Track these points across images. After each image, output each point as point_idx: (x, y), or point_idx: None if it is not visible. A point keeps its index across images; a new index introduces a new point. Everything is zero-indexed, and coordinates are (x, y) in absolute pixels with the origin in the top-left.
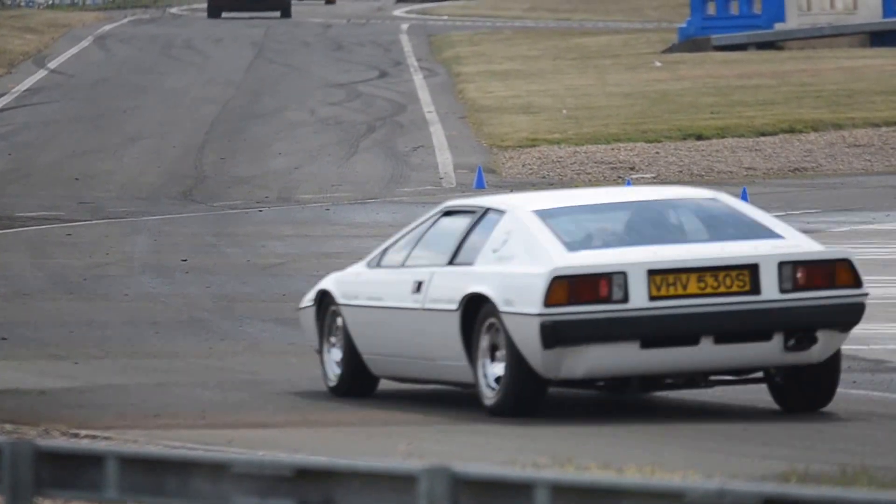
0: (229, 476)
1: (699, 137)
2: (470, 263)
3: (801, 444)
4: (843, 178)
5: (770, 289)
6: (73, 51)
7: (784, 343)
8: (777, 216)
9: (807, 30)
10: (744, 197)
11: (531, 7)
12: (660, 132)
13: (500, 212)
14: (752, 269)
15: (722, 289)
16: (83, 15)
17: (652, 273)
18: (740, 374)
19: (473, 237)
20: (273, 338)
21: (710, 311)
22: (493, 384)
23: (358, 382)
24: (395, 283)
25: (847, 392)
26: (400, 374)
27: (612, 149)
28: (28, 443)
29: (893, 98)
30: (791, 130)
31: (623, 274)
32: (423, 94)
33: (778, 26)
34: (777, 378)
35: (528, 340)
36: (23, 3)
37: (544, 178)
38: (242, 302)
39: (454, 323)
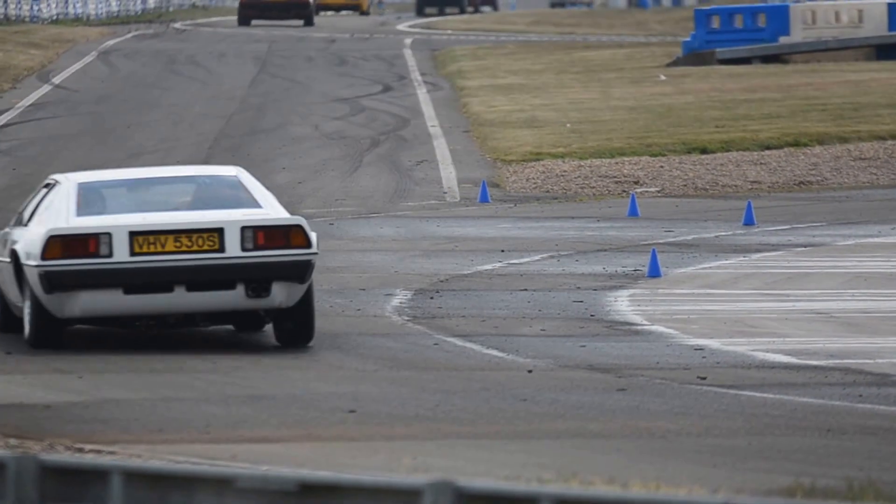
0: (233, 491)
1: (704, 151)
2: (27, 225)
3: (806, 458)
4: (848, 192)
5: (233, 248)
6: (77, 66)
7: (245, 291)
8: (781, 230)
9: (812, 43)
10: (748, 211)
11: (535, 21)
12: (664, 146)
13: (59, 183)
14: (219, 232)
15: (195, 247)
16: (87, 30)
17: (134, 234)
18: (213, 317)
19: (42, 203)
20: (277, 352)
21: (182, 265)
22: None
23: (11, 322)
24: (3, 240)
25: (853, 406)
26: (20, 314)
27: (617, 163)
28: (32, 458)
29: None
30: (796, 144)
31: (109, 234)
32: (427, 109)
33: (783, 40)
34: (267, 319)
35: (37, 286)
36: (27, 19)
37: (548, 192)
38: None
39: (11, 272)
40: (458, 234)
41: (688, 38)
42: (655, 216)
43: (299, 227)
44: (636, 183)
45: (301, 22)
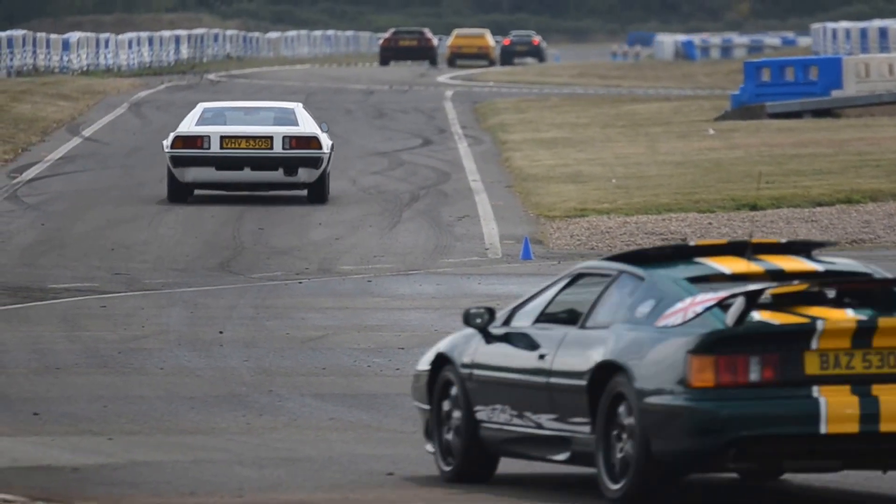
0: None
1: (753, 208)
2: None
3: None
4: None
5: (278, 147)
6: (108, 118)
7: (283, 172)
8: None
9: (865, 97)
10: None
11: (579, 73)
12: (712, 202)
13: (196, 106)
14: (270, 138)
15: (257, 146)
16: (118, 81)
17: (223, 137)
18: (270, 186)
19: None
20: (312, 413)
21: (248, 155)
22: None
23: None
24: None
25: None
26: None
27: (664, 219)
28: None
29: None
30: (848, 201)
31: (208, 137)
32: (468, 163)
33: (835, 93)
34: (305, 191)
35: (169, 164)
36: (57, 69)
37: (593, 249)
38: (281, 376)
39: None
40: (499, 291)
41: (737, 92)
42: None
43: (316, 137)
44: (683, 240)
45: (427, 62)
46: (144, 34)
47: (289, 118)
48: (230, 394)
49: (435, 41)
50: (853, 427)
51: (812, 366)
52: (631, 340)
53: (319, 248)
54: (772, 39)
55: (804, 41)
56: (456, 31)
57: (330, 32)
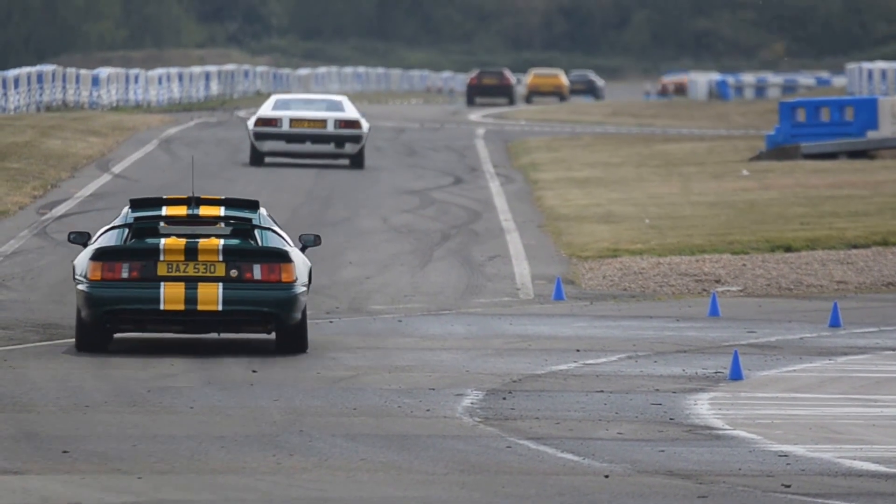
0: None
1: (788, 249)
2: None
3: None
4: None
5: (331, 127)
6: (138, 154)
7: (334, 146)
8: (869, 332)
9: None
10: (834, 312)
11: (612, 112)
12: (747, 244)
13: (270, 96)
14: (325, 121)
15: (315, 126)
16: (148, 117)
17: (291, 119)
18: (324, 156)
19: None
20: (343, 453)
21: (309, 133)
22: None
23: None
24: None
25: None
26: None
27: (697, 260)
28: None
29: None
30: (885, 243)
31: (280, 119)
32: (500, 202)
33: (871, 134)
34: (342, 159)
35: (251, 137)
36: (86, 105)
37: (625, 290)
38: (311, 416)
39: None
40: (531, 332)
41: (772, 132)
42: (737, 316)
43: (358, 121)
44: (717, 282)
45: (506, 100)
46: (174, 70)
47: (338, 106)
48: (260, 433)
49: (513, 80)
50: (181, 306)
51: (162, 270)
52: (87, 250)
53: (349, 287)
54: (806, 79)
55: (839, 81)
56: (534, 71)
57: (361, 69)
